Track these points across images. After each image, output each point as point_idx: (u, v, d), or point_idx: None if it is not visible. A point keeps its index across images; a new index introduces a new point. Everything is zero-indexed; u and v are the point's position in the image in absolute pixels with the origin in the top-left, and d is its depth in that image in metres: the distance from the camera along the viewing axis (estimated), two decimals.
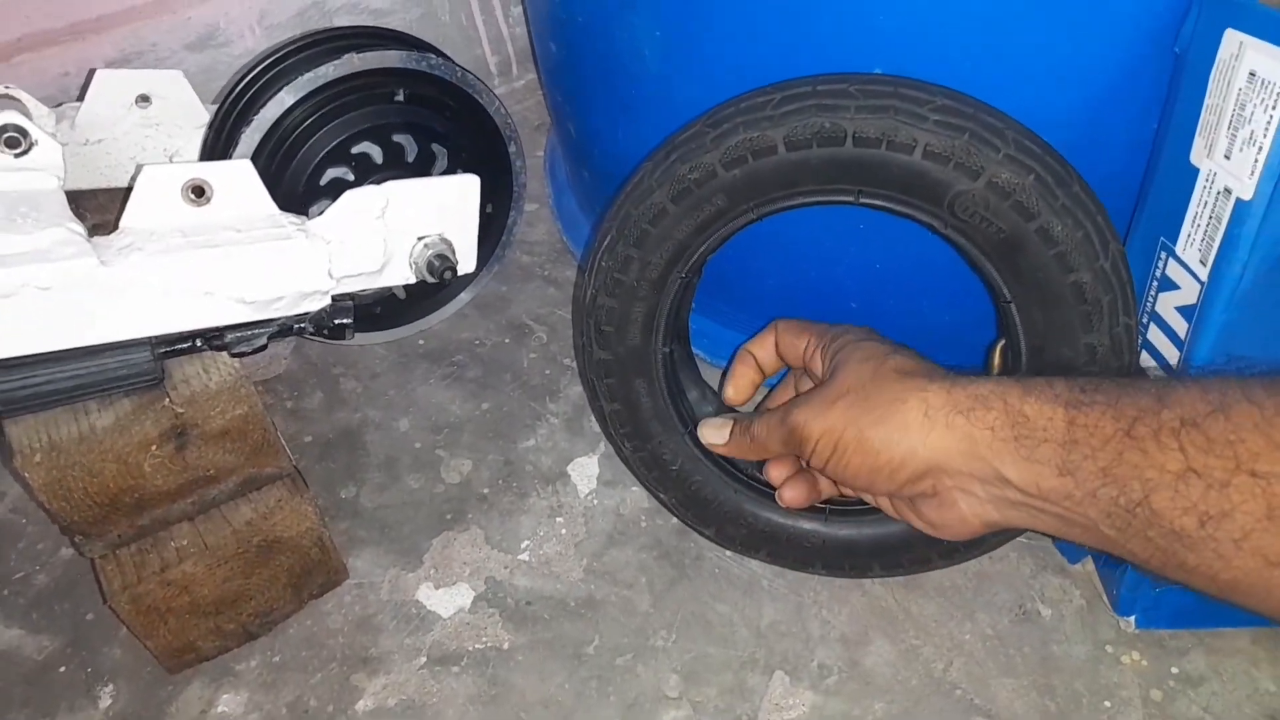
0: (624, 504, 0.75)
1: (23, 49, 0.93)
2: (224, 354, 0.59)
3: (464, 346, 0.90)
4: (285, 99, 0.69)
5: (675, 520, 0.73)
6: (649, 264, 0.60)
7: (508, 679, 0.64)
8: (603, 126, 0.80)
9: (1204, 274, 0.50)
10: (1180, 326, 0.53)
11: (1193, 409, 0.40)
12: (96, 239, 0.54)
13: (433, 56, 0.75)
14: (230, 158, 0.71)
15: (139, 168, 0.55)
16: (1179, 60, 0.51)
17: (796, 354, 0.63)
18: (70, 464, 0.54)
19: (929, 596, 0.67)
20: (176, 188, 0.55)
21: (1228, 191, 0.47)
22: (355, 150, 0.76)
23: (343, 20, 1.12)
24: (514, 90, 1.32)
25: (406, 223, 0.61)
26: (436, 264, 0.63)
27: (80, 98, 0.75)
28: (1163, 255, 0.54)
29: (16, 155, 0.59)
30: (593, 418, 0.80)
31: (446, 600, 0.69)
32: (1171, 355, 0.54)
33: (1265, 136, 0.43)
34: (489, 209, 0.85)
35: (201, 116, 0.77)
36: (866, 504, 0.63)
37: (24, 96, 0.68)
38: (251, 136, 0.69)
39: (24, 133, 0.59)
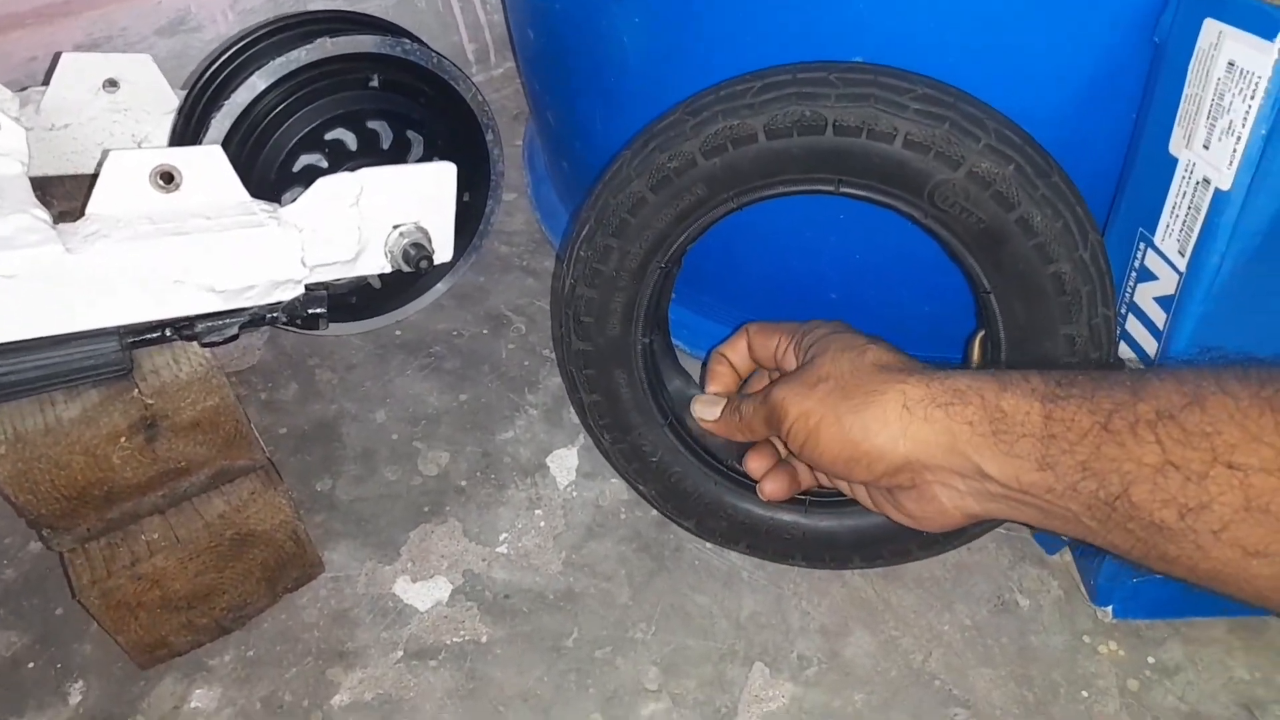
0: (603, 496, 0.75)
1: None
2: (194, 344, 0.58)
3: (442, 337, 0.89)
4: (257, 84, 0.68)
5: (655, 512, 0.73)
6: (628, 254, 0.59)
7: (486, 672, 0.63)
8: (582, 115, 0.79)
9: (1182, 265, 0.50)
10: (1159, 317, 0.53)
11: (1168, 401, 0.40)
12: (62, 226, 0.53)
13: (408, 42, 0.74)
14: (200, 143, 0.69)
15: (106, 153, 0.54)
16: (1158, 50, 0.51)
17: (768, 353, 0.63)
18: (36, 456, 0.53)
19: (908, 588, 0.68)
20: (144, 173, 0.54)
21: (1206, 182, 0.47)
22: (329, 137, 0.74)
23: (317, 4, 1.10)
24: (492, 78, 1.31)
25: (381, 211, 0.60)
26: (412, 253, 0.62)
27: (46, 82, 0.73)
28: (1141, 246, 0.54)
29: None
30: (572, 409, 0.79)
31: (424, 593, 0.68)
32: (1150, 346, 0.54)
33: (1244, 126, 0.43)
34: (466, 197, 0.84)
35: (171, 102, 0.76)
36: (846, 496, 0.63)
37: None
38: (222, 122, 0.68)
39: None
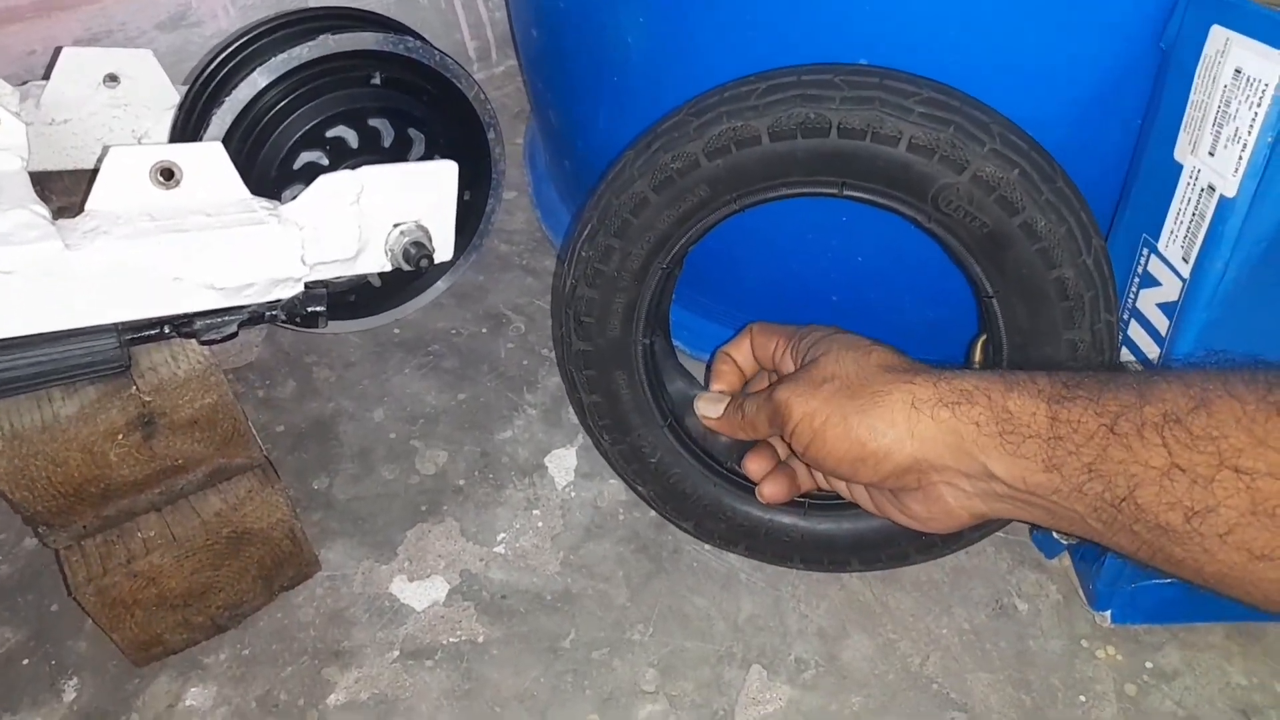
0: (601, 497, 0.74)
1: None
2: (193, 341, 0.58)
3: (440, 336, 0.89)
4: (258, 80, 0.68)
5: (653, 513, 0.72)
6: (630, 254, 0.59)
7: (482, 673, 0.63)
8: (584, 115, 0.79)
9: (1186, 271, 0.50)
10: (1161, 323, 0.53)
11: (1175, 404, 0.40)
12: (61, 222, 0.52)
13: (410, 39, 0.74)
14: (201, 140, 0.69)
15: (106, 149, 0.53)
16: (1165, 56, 0.51)
17: (766, 355, 0.63)
18: (33, 453, 0.52)
19: (906, 591, 0.67)
20: (145, 170, 0.54)
21: (1211, 189, 0.47)
22: (330, 134, 0.74)
23: (318, 0, 1.10)
24: (493, 76, 1.31)
25: (382, 209, 0.60)
26: (413, 251, 0.61)
27: (46, 76, 0.73)
28: (1145, 252, 0.54)
29: None
30: (571, 409, 0.79)
31: (420, 593, 0.68)
32: (1152, 352, 0.54)
33: (1250, 134, 0.43)
34: (467, 196, 0.83)
35: (171, 97, 0.75)
36: (845, 499, 0.62)
37: None
38: (223, 118, 0.68)
39: None
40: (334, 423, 0.81)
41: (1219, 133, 0.46)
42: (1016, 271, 0.53)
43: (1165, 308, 0.52)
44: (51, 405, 0.54)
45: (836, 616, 0.66)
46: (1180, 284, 0.50)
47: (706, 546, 0.70)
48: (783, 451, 0.65)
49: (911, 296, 0.69)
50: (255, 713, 0.61)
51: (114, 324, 0.54)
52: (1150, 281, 0.54)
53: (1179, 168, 0.49)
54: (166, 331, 0.56)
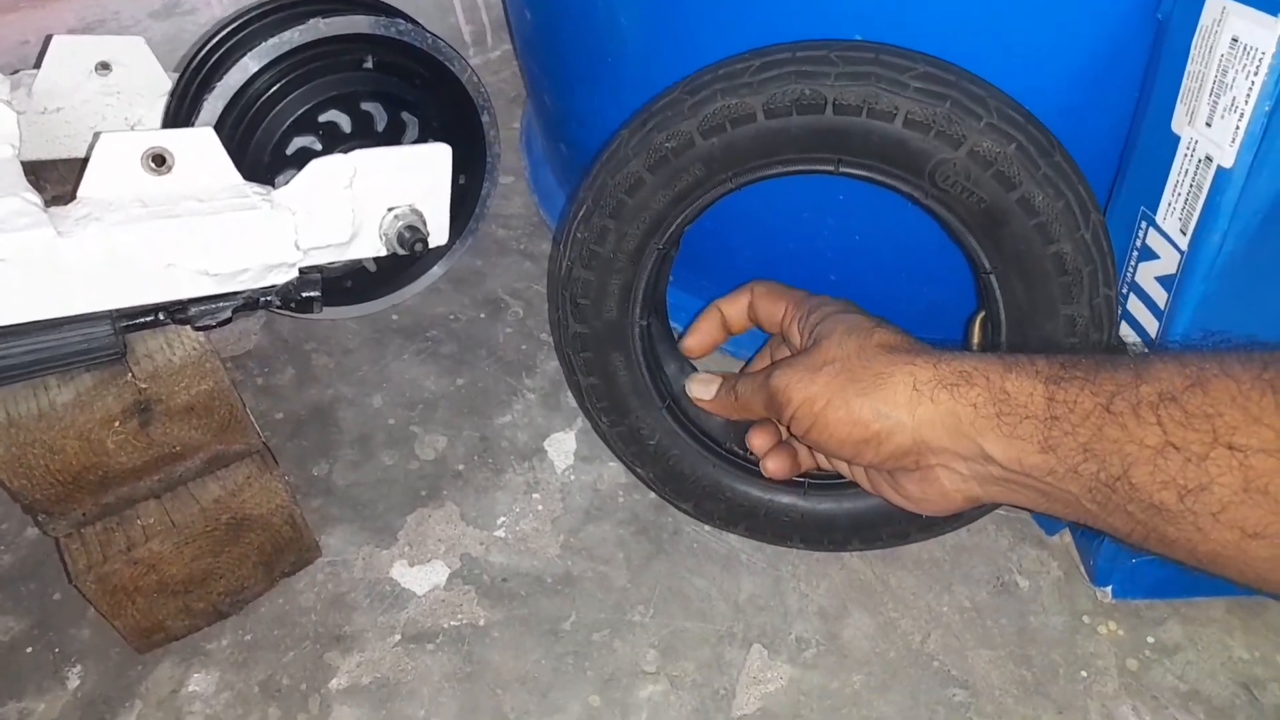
0: (601, 479, 0.74)
1: None
2: (188, 328, 0.57)
3: (439, 321, 0.89)
4: (249, 65, 0.67)
5: (653, 496, 0.72)
6: (626, 235, 0.59)
7: (484, 656, 0.63)
8: (579, 97, 0.79)
9: (1184, 243, 0.49)
10: (1160, 297, 0.53)
11: (1170, 383, 0.40)
12: (53, 209, 0.52)
13: (402, 22, 0.73)
14: (193, 126, 0.69)
15: (97, 136, 0.53)
16: (1161, 27, 0.50)
17: (774, 320, 0.62)
18: (30, 441, 0.52)
19: (907, 569, 0.67)
20: (136, 156, 0.53)
21: (1208, 159, 0.46)
22: (322, 119, 0.74)
23: None
24: (489, 61, 1.30)
25: (375, 193, 0.60)
26: (407, 235, 0.61)
27: (38, 65, 0.72)
28: (1143, 225, 0.54)
29: None
30: (569, 393, 0.79)
31: (421, 577, 0.68)
32: (1151, 326, 0.54)
33: (1246, 103, 0.43)
34: (462, 180, 0.83)
35: (164, 84, 0.75)
36: (845, 478, 0.62)
37: None
38: (214, 104, 0.67)
39: None
40: (333, 409, 0.81)
41: (1216, 103, 0.45)
42: (1014, 247, 0.53)
43: (1164, 281, 0.52)
44: (48, 393, 0.54)
45: (837, 595, 0.66)
46: (1178, 256, 0.50)
47: (706, 528, 0.70)
48: (784, 430, 0.65)
49: (909, 274, 0.68)
50: (258, 697, 0.61)
51: (108, 311, 0.54)
52: (1149, 255, 0.53)
53: (1176, 139, 0.49)
54: (161, 318, 0.56)
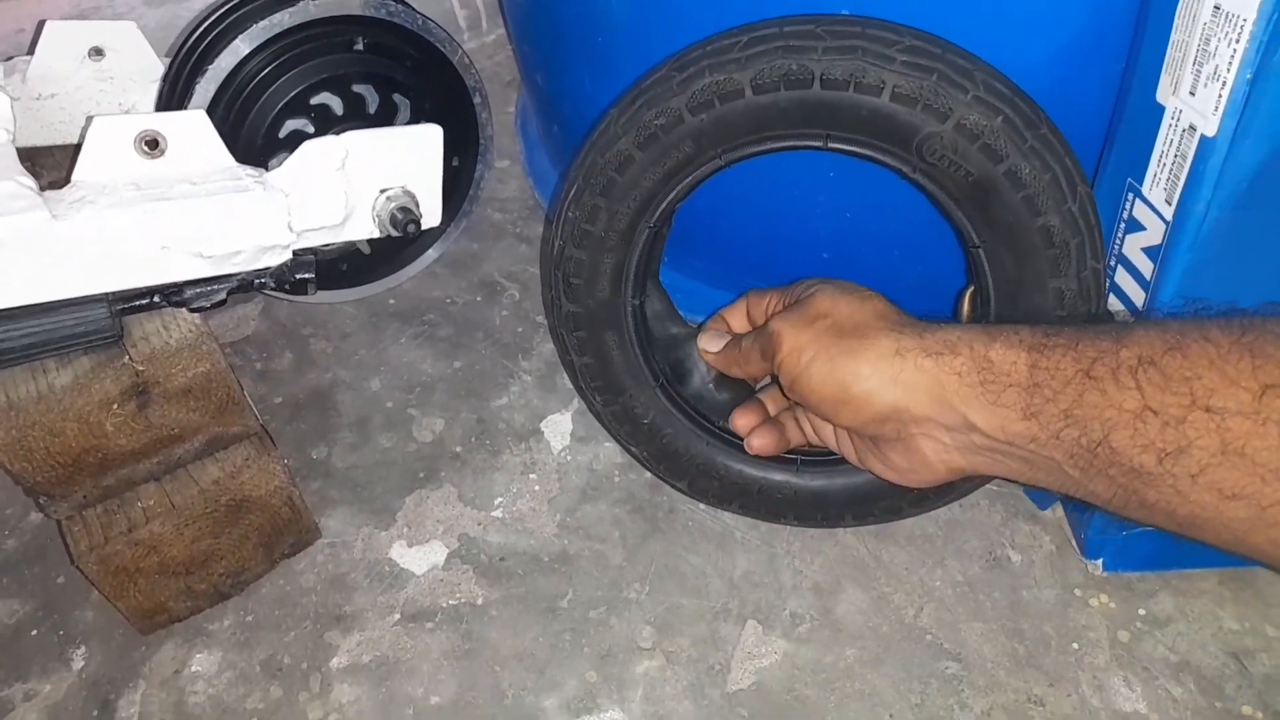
0: (597, 459, 0.75)
1: None
2: (184, 310, 0.58)
3: (435, 305, 0.89)
4: (240, 48, 0.68)
5: (648, 475, 0.73)
6: (616, 214, 0.59)
7: (482, 634, 0.64)
8: (571, 78, 0.79)
9: (1169, 214, 0.49)
10: (1146, 268, 0.53)
11: (1150, 348, 0.40)
12: (48, 193, 0.53)
13: (392, 3, 0.73)
14: (186, 109, 0.69)
15: (89, 119, 0.53)
16: None
17: (761, 311, 0.63)
18: (30, 424, 0.53)
19: (900, 545, 0.68)
20: (129, 139, 0.54)
21: (1192, 129, 0.46)
22: (314, 101, 0.74)
23: None
24: (484, 45, 1.30)
25: (368, 174, 0.60)
26: (400, 217, 0.61)
27: (31, 51, 0.73)
28: (1129, 196, 0.54)
29: None
30: (565, 375, 0.79)
31: (420, 558, 0.69)
32: (1138, 297, 0.54)
33: (1229, 71, 0.43)
34: (455, 162, 0.83)
35: (157, 69, 0.75)
36: (836, 455, 0.63)
37: None
38: (206, 87, 0.67)
39: None
40: (331, 393, 0.81)
41: (1199, 71, 0.45)
42: (1002, 220, 0.53)
43: (1150, 252, 0.52)
44: (46, 376, 0.54)
45: (831, 571, 0.67)
46: (1164, 227, 0.50)
47: (701, 506, 0.71)
48: (772, 408, 0.66)
49: (900, 250, 0.69)
50: (260, 676, 0.62)
51: (104, 294, 0.54)
52: (1135, 226, 0.53)
53: (1161, 109, 0.49)
54: (157, 301, 0.56)
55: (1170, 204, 0.49)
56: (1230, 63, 0.43)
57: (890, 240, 0.68)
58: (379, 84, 0.77)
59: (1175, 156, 0.48)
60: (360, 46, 0.74)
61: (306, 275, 0.60)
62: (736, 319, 0.67)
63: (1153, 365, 0.39)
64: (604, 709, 0.59)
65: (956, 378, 0.46)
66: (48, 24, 0.71)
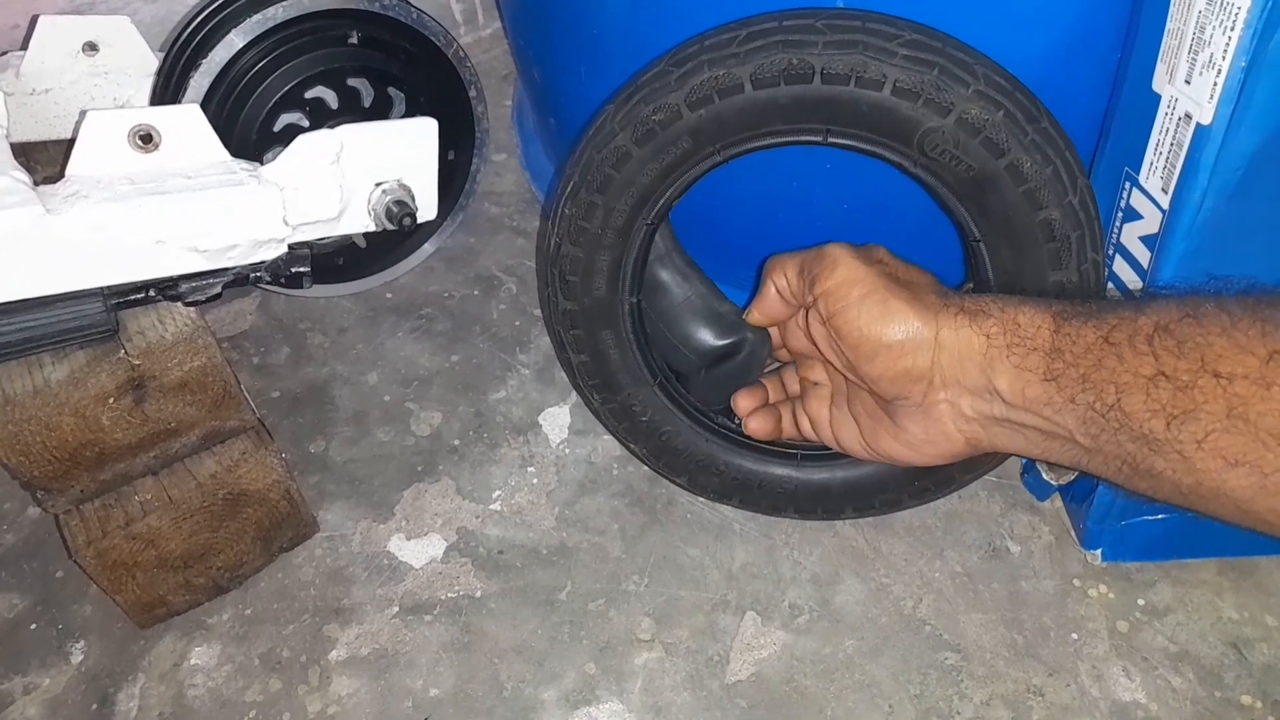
0: (595, 452, 0.75)
1: None
2: (180, 304, 0.58)
3: (432, 299, 0.89)
4: (235, 41, 0.67)
5: (647, 468, 0.73)
6: (613, 210, 0.59)
7: (480, 626, 0.64)
8: (567, 70, 0.78)
9: (1166, 202, 0.49)
10: (1144, 256, 0.53)
11: (1167, 315, 0.40)
12: (42, 188, 0.53)
13: None
14: (180, 104, 0.69)
15: (83, 114, 0.53)
16: None
17: (793, 266, 0.59)
18: (26, 418, 0.53)
19: (899, 536, 0.68)
20: (123, 134, 0.53)
21: (1188, 117, 0.46)
22: (309, 95, 0.74)
23: None
24: (481, 39, 1.29)
25: (363, 168, 0.60)
26: (395, 210, 0.61)
27: (25, 46, 0.72)
28: (1127, 185, 0.54)
29: None
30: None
31: (418, 551, 0.69)
32: (1136, 286, 0.54)
33: (1224, 59, 0.43)
34: (451, 156, 0.83)
35: (151, 64, 0.75)
36: (835, 450, 0.63)
37: None
38: (200, 82, 0.67)
39: None
40: (329, 387, 0.81)
41: (1195, 60, 0.45)
42: (1003, 214, 0.53)
43: (1147, 240, 0.52)
44: (42, 370, 0.54)
45: (830, 562, 0.67)
46: (1161, 215, 0.50)
47: (700, 499, 0.71)
48: (773, 395, 0.66)
49: (898, 243, 0.67)
50: (259, 670, 0.62)
51: (99, 288, 0.54)
52: (1132, 215, 0.53)
53: (1157, 98, 0.49)
54: (152, 295, 0.56)
55: (1167, 192, 0.49)
56: (1225, 51, 0.43)
57: (889, 234, 0.67)
58: (374, 78, 0.76)
59: (1171, 145, 0.48)
60: (355, 40, 0.74)
61: (302, 269, 0.60)
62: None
63: (1168, 332, 0.40)
64: (603, 700, 0.59)
65: (985, 339, 0.47)
66: (41, 19, 0.71)
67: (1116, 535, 0.64)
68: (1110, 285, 0.56)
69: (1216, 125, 0.45)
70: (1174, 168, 0.48)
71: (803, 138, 0.55)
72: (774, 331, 0.65)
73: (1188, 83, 0.46)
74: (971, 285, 0.59)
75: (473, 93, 0.81)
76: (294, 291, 0.84)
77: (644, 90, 0.56)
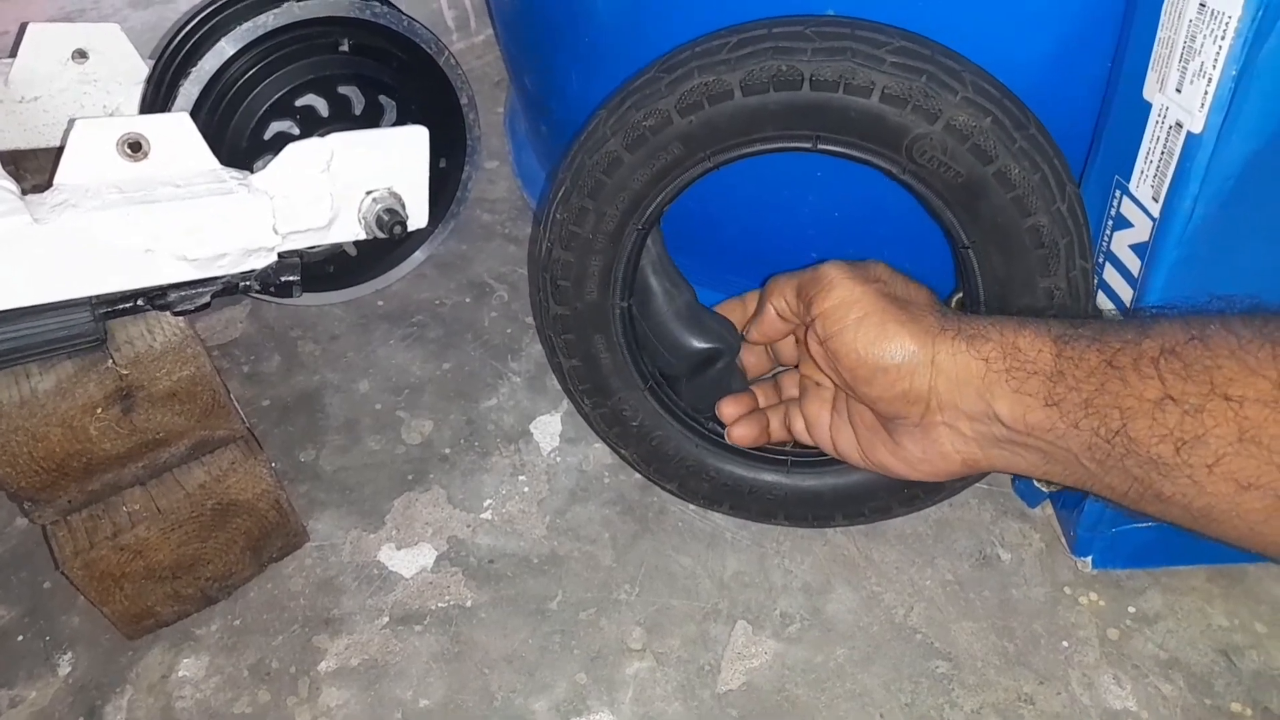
0: (587, 461, 0.75)
1: None
2: (168, 314, 0.57)
3: (424, 306, 0.89)
4: (225, 49, 0.67)
5: (638, 476, 0.73)
6: (605, 215, 0.59)
7: (471, 636, 0.63)
8: (558, 76, 0.78)
9: (1156, 210, 0.50)
10: (1134, 265, 0.53)
11: (1172, 338, 0.40)
12: (30, 196, 0.52)
13: (377, 4, 0.73)
14: (169, 112, 0.69)
15: (72, 122, 0.53)
16: None
17: (790, 288, 0.60)
18: (13, 429, 0.52)
19: (890, 544, 0.68)
20: (111, 142, 0.53)
21: (1179, 125, 0.46)
22: (299, 103, 0.74)
23: None
24: (473, 46, 1.29)
25: (353, 176, 0.60)
26: (386, 218, 0.61)
27: (14, 54, 0.72)
28: (1117, 193, 0.54)
29: None
30: (554, 376, 0.79)
31: (409, 560, 0.68)
32: (1126, 294, 0.54)
33: (1215, 68, 0.43)
34: (442, 164, 0.83)
35: (141, 71, 0.75)
36: (827, 455, 0.63)
37: None
38: (190, 90, 0.67)
39: None
40: (320, 395, 0.81)
41: (1185, 68, 0.45)
42: (991, 221, 0.53)
43: (1137, 248, 0.52)
44: (29, 381, 0.54)
45: (821, 571, 0.67)
46: (1151, 224, 0.50)
47: (691, 507, 0.71)
48: (762, 400, 0.65)
49: (888, 250, 0.68)
50: (248, 681, 0.61)
51: (87, 298, 0.54)
52: (1123, 223, 0.53)
53: (1148, 106, 0.49)
54: (141, 304, 0.56)
55: (1157, 201, 0.49)
56: (1216, 59, 0.43)
57: (879, 240, 0.68)
58: (364, 85, 0.76)
59: (1162, 153, 0.48)
60: (345, 48, 0.74)
61: (292, 278, 0.60)
62: (754, 303, 0.66)
63: (1174, 355, 0.39)
64: (594, 711, 0.59)
65: (984, 364, 0.46)
66: (30, 26, 0.71)
67: (1107, 542, 0.64)
68: (1101, 294, 0.56)
69: (1207, 134, 0.45)
70: (1164, 176, 0.48)
71: (792, 144, 0.55)
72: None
73: (1178, 91, 0.46)
74: (961, 293, 0.59)
75: (464, 100, 0.81)
76: (284, 300, 0.84)
77: (635, 96, 0.56)
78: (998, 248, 0.54)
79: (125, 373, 0.55)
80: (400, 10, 0.75)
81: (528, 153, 1.00)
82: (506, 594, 0.66)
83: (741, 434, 0.63)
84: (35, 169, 0.74)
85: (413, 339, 0.86)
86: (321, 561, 0.68)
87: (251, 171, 0.58)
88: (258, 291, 0.60)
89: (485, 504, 0.72)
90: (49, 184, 0.53)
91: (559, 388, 0.79)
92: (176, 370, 0.56)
